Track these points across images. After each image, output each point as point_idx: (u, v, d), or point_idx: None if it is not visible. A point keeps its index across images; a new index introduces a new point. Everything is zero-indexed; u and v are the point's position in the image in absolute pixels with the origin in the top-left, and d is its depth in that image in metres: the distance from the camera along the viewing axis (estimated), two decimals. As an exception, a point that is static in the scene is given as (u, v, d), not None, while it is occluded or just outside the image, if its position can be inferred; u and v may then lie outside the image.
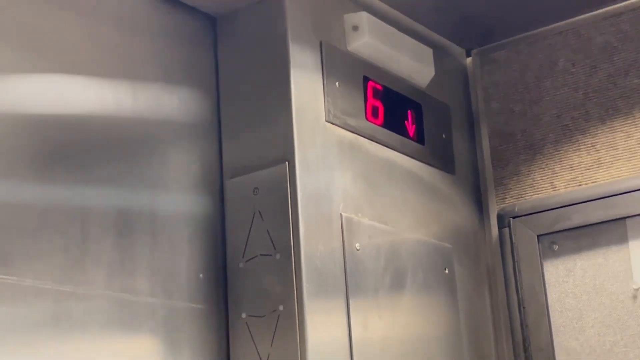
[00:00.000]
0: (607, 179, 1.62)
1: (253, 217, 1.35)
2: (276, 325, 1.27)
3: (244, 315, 1.33)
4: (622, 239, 1.57)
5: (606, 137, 1.66)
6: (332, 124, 1.41)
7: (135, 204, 1.31)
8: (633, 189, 1.56)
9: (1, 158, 1.10)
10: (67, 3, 1.31)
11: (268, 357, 1.28)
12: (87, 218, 1.21)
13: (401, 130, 1.56)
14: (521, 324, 1.64)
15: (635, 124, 1.63)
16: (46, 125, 1.21)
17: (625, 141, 1.63)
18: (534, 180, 1.70)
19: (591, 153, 1.67)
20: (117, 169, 1.28)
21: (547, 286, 1.62)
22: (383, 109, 1.51)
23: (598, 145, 1.66)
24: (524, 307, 1.63)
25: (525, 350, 1.63)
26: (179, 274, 1.34)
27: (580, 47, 1.74)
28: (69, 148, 1.23)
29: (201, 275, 1.38)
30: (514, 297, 1.65)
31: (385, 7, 1.61)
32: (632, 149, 1.63)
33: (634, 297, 1.53)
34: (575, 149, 1.70)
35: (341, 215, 1.36)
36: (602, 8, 1.69)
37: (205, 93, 1.46)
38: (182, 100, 1.43)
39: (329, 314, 1.31)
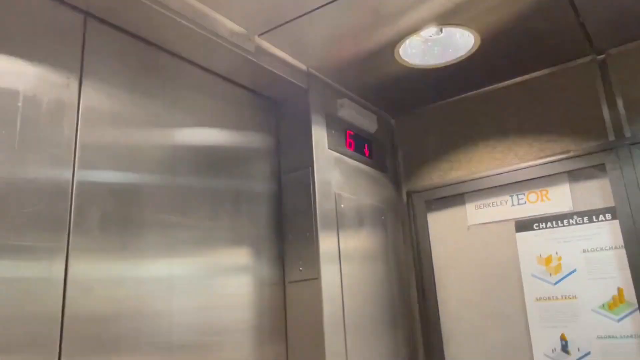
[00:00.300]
0: (456, 177, 1.82)
1: (295, 196, 1.56)
2: (306, 243, 1.49)
3: (290, 237, 1.55)
4: (462, 203, 1.80)
5: (465, 156, 1.83)
6: (331, 149, 1.61)
7: (236, 190, 1.43)
8: (469, 179, 1.77)
9: (179, 165, 1.28)
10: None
11: (301, 266, 1.48)
12: (211, 199, 1.35)
13: (362, 153, 1.75)
14: (416, 244, 1.85)
15: (484, 146, 1.80)
16: (191, 150, 1.35)
17: (483, 154, 1.78)
18: (422, 177, 1.89)
19: (453, 168, 1.85)
20: (228, 172, 1.42)
21: (428, 226, 1.83)
22: (354, 142, 1.71)
23: (459, 162, 1.84)
24: (417, 237, 1.84)
25: (418, 255, 1.82)
26: (256, 226, 1.48)
27: (455, 114, 1.89)
28: (205, 163, 1.36)
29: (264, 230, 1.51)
30: (413, 232, 1.86)
31: (351, 95, 1.78)
32: (476, 163, 1.80)
33: (468, 229, 1.75)
34: (442, 165, 1.88)
35: (334, 192, 1.56)
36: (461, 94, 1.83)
37: (273, 137, 1.63)
38: (263, 140, 1.60)
39: (330, 239, 1.50)
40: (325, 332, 1.35)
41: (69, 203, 0.98)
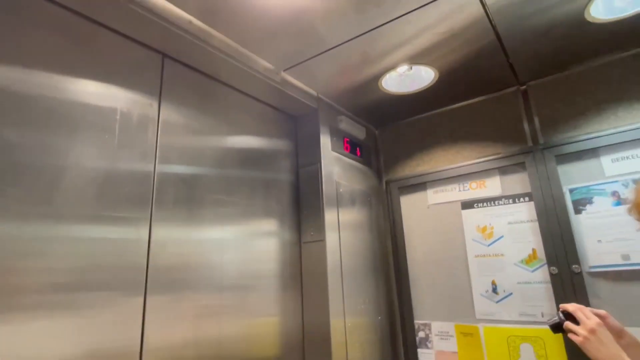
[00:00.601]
0: (421, 171, 1.75)
1: (308, 183, 1.51)
2: (316, 216, 1.44)
3: (305, 212, 1.49)
4: (424, 189, 1.71)
5: (427, 156, 1.76)
6: (333, 151, 1.57)
7: (266, 179, 1.40)
8: (430, 172, 1.69)
9: (227, 161, 1.26)
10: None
11: (312, 232, 1.44)
12: (249, 185, 1.32)
13: (355, 153, 1.71)
14: (392, 218, 1.78)
15: (440, 149, 1.73)
16: (235, 151, 1.36)
17: (439, 155, 1.71)
18: (396, 171, 1.83)
19: (419, 165, 1.78)
20: (261, 166, 1.38)
21: (400, 205, 1.77)
22: (349, 146, 1.68)
23: (422, 160, 1.78)
24: (392, 213, 1.77)
25: (393, 225, 1.76)
26: (281, 204, 1.44)
27: (420, 127, 1.81)
28: (245, 160, 1.34)
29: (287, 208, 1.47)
30: (390, 209, 1.79)
31: (348, 113, 1.72)
32: (435, 161, 1.73)
33: (428, 207, 1.69)
34: (411, 162, 1.80)
35: (335, 181, 1.53)
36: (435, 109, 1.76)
37: (292, 142, 1.58)
38: (286, 144, 1.54)
39: (332, 214, 1.46)
40: (328, 277, 1.34)
41: (152, 187, 0.99)
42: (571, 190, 1.36)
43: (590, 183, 1.31)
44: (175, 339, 0.93)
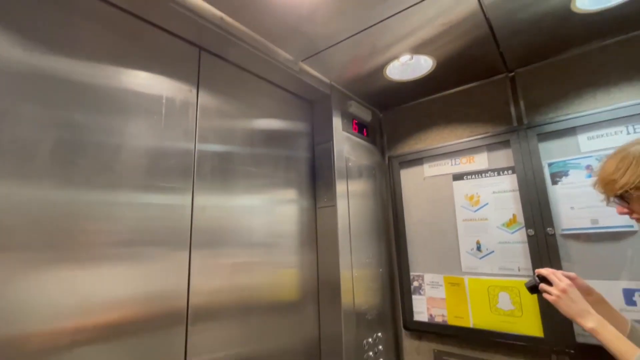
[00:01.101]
0: (418, 148, 1.68)
1: (322, 158, 1.47)
2: (329, 185, 1.41)
3: (319, 182, 1.47)
4: (421, 164, 1.66)
5: (424, 136, 1.70)
6: (344, 131, 1.52)
7: (287, 155, 1.38)
8: (426, 149, 1.63)
9: (255, 139, 1.24)
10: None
11: (325, 199, 1.40)
12: (273, 160, 1.31)
13: (362, 133, 1.66)
14: (392, 188, 1.71)
15: (436, 129, 1.65)
16: (261, 131, 1.33)
17: (435, 134, 1.65)
18: (397, 148, 1.77)
19: (417, 143, 1.70)
20: (283, 144, 1.36)
21: (401, 180, 1.70)
22: (357, 127, 1.62)
23: (420, 139, 1.68)
24: (393, 184, 1.70)
25: (393, 195, 1.71)
26: (300, 176, 1.42)
27: (419, 110, 1.74)
28: (269, 138, 1.32)
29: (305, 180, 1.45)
30: (391, 181, 1.71)
31: (356, 98, 1.66)
32: (431, 140, 1.67)
33: (424, 179, 1.63)
34: (410, 141, 1.71)
35: (345, 156, 1.49)
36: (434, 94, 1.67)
37: (309, 123, 1.53)
38: (303, 125, 1.50)
39: (342, 184, 1.43)
40: (339, 236, 1.32)
41: (193, 161, 0.99)
42: (550, 164, 1.30)
43: (567, 158, 1.26)
44: (215, 285, 0.96)
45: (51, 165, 0.68)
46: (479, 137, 1.49)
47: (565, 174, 1.26)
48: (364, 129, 1.69)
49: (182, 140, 0.96)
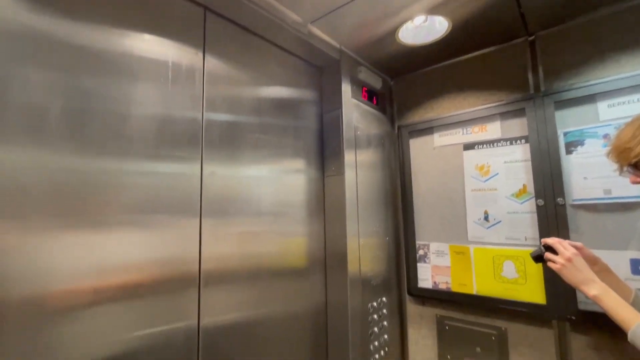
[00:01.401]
0: (429, 117, 1.65)
1: (331, 127, 1.44)
2: (337, 155, 1.39)
3: (327, 152, 1.43)
4: (431, 133, 1.63)
5: (436, 104, 1.66)
6: (353, 98, 1.49)
7: (295, 124, 1.36)
8: (437, 118, 1.60)
9: (263, 107, 1.22)
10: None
11: (333, 167, 1.39)
12: (281, 129, 1.30)
13: (371, 101, 1.62)
14: (401, 158, 1.68)
15: (448, 97, 1.64)
16: (270, 99, 1.30)
17: (447, 102, 1.61)
18: (407, 117, 1.74)
19: (427, 111, 1.68)
20: (291, 112, 1.34)
21: (410, 149, 1.68)
22: (367, 95, 1.59)
23: (431, 107, 1.66)
24: (402, 154, 1.69)
25: (402, 164, 1.68)
26: (308, 145, 1.41)
27: (431, 77, 1.69)
28: (278, 106, 1.32)
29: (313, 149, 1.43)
30: (400, 151, 1.71)
31: (366, 64, 1.61)
32: (443, 108, 1.63)
33: (434, 149, 1.60)
34: (421, 110, 1.71)
35: (354, 125, 1.46)
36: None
37: (318, 90, 1.49)
38: (312, 93, 1.46)
39: (350, 154, 1.40)
40: (346, 205, 1.32)
41: (201, 130, 0.98)
42: (565, 133, 1.25)
43: (585, 126, 1.21)
44: (225, 251, 0.98)
45: (62, 133, 0.69)
46: (493, 105, 1.43)
47: (581, 143, 1.22)
48: (374, 97, 1.63)
49: (190, 109, 0.94)
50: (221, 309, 0.94)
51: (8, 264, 0.60)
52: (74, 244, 0.68)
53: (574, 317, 1.11)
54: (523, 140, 1.37)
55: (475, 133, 1.50)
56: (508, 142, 1.47)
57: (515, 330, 1.26)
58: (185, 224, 0.89)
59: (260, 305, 1.05)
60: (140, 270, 0.77)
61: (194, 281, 0.88)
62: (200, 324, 0.88)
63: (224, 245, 0.97)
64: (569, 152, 1.24)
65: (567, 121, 1.31)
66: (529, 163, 1.32)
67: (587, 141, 1.21)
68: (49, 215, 0.65)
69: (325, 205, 1.37)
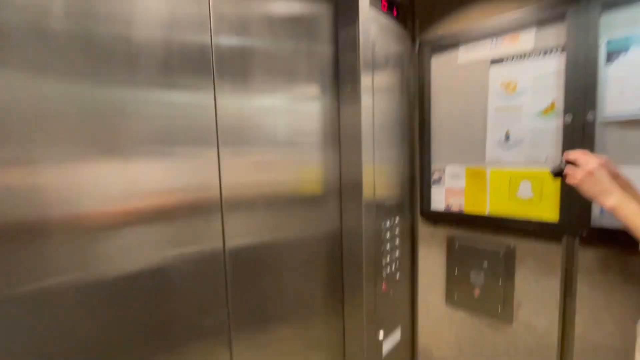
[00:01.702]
0: (454, 31, 1.52)
1: (346, 43, 1.32)
2: (353, 80, 1.32)
3: (342, 76, 1.36)
4: (456, 49, 1.51)
5: (462, 16, 1.52)
6: (372, 7, 1.35)
7: (309, 49, 1.29)
8: (468, 28, 1.47)
9: (276, 31, 1.15)
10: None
11: (350, 91, 1.32)
12: (294, 54, 1.23)
13: (391, 13, 1.49)
14: (422, 78, 1.62)
15: (477, 8, 1.48)
16: (282, 20, 1.24)
17: (476, 12, 1.46)
18: (430, 32, 1.59)
19: (452, 25, 1.53)
20: (304, 35, 1.26)
21: (432, 68, 1.61)
22: (386, 4, 1.45)
23: (457, 21, 1.51)
24: (422, 74, 1.61)
25: (422, 86, 1.63)
26: (322, 73, 1.33)
27: None
28: (290, 29, 1.21)
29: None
30: (410, 73, 1.63)
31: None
32: (470, 20, 1.48)
33: (457, 66, 1.52)
34: (445, 24, 1.56)
35: (372, 40, 1.32)
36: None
37: (332, 4, 1.36)
38: (325, 5, 1.34)
39: (367, 77, 1.30)
40: (362, 131, 1.29)
41: (211, 58, 0.95)
42: (609, 42, 1.15)
43: (633, 32, 1.09)
44: (243, 179, 1.01)
45: (74, 59, 0.69)
46: (527, 10, 1.32)
47: (625, 50, 1.13)
48: (394, 7, 1.49)
49: (199, 33, 0.91)
50: (243, 233, 1.00)
51: (46, 186, 0.64)
52: (101, 171, 0.72)
53: (584, 234, 1.12)
54: (558, 50, 1.29)
55: (505, 45, 1.41)
56: (541, 53, 1.34)
57: (524, 247, 1.28)
58: (205, 154, 0.92)
59: (280, 230, 1.11)
60: (166, 196, 0.82)
61: (216, 206, 0.93)
62: (226, 246, 0.95)
63: (242, 172, 1.00)
64: (609, 61, 1.17)
65: (613, 27, 1.16)
66: (561, 77, 1.21)
67: (633, 48, 1.13)
68: (76, 142, 0.68)
69: (340, 131, 1.34)
